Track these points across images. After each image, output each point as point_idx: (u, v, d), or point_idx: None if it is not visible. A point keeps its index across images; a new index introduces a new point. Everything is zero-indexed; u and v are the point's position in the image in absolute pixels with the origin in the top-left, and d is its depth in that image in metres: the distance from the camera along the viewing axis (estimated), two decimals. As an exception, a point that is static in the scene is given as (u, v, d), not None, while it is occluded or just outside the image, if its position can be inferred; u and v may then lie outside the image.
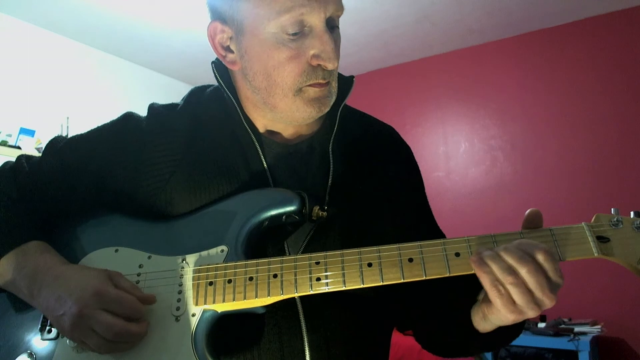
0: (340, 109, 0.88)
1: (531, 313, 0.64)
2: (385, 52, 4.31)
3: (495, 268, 0.63)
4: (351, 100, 0.98)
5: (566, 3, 3.55)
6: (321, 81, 0.78)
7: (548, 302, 0.63)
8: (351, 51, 4.22)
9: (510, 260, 0.63)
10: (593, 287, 3.56)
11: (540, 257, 0.63)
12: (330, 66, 0.77)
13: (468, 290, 0.76)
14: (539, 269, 0.62)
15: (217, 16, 0.82)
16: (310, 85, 0.78)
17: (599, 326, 3.29)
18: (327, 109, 0.83)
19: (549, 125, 3.87)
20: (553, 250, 0.67)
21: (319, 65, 0.77)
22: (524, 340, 3.35)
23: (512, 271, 0.62)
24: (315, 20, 0.75)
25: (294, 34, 0.75)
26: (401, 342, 3.49)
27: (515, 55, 4.05)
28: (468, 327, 0.76)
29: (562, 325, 3.35)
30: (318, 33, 0.76)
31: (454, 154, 4.27)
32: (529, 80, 3.98)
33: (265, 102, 0.82)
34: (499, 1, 3.48)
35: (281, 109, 0.81)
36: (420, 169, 0.99)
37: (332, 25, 0.78)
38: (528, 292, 0.62)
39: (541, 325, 3.45)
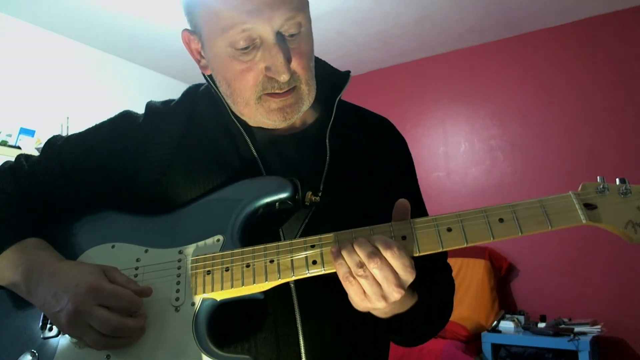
0: (337, 101, 0.89)
1: (379, 304, 0.68)
2: (385, 52, 4.31)
3: (348, 261, 0.67)
4: (351, 101, 0.99)
5: (566, 3, 3.56)
6: (278, 91, 0.78)
7: (395, 295, 0.67)
8: (351, 51, 4.23)
9: (361, 254, 0.66)
10: (593, 287, 3.56)
11: (388, 255, 0.66)
12: (281, 79, 0.76)
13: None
14: (386, 265, 0.66)
15: (189, 25, 0.84)
16: (269, 95, 0.78)
17: (599, 326, 3.29)
18: (297, 114, 0.82)
19: (548, 125, 3.88)
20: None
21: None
22: (524, 340, 3.35)
23: (362, 265, 0.66)
24: (263, 33, 0.74)
25: (245, 48, 0.75)
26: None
27: (515, 55, 4.06)
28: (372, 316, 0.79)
29: (562, 325, 3.35)
30: (267, 46, 0.75)
31: (454, 154, 4.27)
32: (529, 80, 3.99)
33: (233, 107, 0.84)
34: (499, 1, 3.49)
35: (248, 115, 0.83)
36: (420, 169, 1.01)
37: (290, 34, 0.76)
38: (376, 284, 0.66)
39: (541, 325, 3.44)
